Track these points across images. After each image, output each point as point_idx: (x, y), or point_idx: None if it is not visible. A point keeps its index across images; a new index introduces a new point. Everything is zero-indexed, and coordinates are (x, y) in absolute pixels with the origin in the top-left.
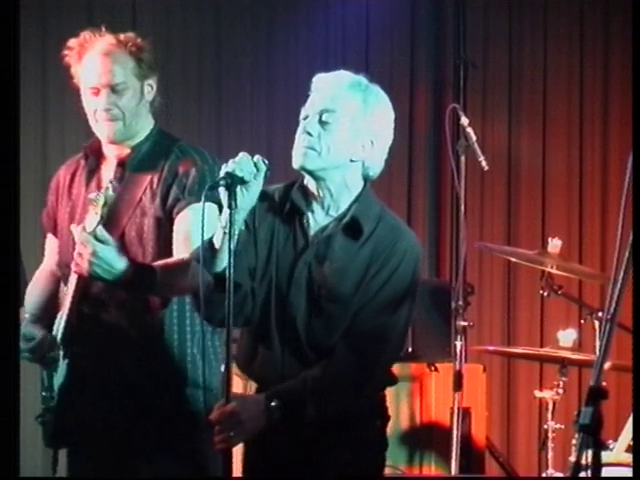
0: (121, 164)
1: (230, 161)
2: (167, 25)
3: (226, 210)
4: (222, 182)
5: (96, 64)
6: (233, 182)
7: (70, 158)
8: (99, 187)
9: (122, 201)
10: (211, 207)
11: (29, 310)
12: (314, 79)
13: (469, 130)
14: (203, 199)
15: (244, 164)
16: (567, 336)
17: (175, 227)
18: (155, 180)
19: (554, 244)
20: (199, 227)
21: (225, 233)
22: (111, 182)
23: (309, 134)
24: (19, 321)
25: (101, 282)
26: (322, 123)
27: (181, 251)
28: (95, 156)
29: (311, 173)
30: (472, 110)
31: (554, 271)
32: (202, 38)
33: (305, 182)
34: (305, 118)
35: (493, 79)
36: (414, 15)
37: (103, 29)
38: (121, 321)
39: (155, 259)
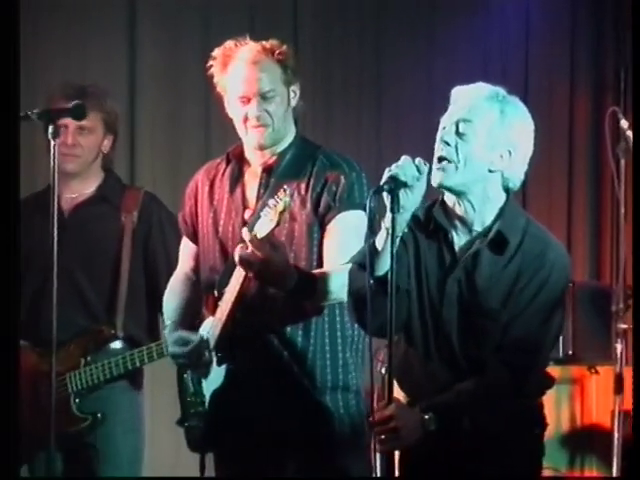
0: (266, 170)
1: (393, 165)
2: (327, 31)
3: (389, 213)
4: (386, 187)
5: (244, 73)
6: (396, 186)
7: (207, 163)
8: (244, 193)
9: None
10: (359, 215)
11: (169, 317)
12: (453, 91)
13: (629, 133)
14: (368, 203)
15: (407, 167)
16: None
17: (327, 235)
18: (303, 186)
19: None
20: (352, 234)
21: (388, 235)
22: (285, 189)
23: (446, 144)
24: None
25: (266, 287)
26: (459, 134)
27: (333, 259)
28: (238, 162)
29: (450, 189)
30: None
31: None
32: (361, 45)
33: (446, 199)
34: (443, 129)
35: None
36: (574, 18)
37: (247, 37)
38: (274, 326)
39: (306, 264)
